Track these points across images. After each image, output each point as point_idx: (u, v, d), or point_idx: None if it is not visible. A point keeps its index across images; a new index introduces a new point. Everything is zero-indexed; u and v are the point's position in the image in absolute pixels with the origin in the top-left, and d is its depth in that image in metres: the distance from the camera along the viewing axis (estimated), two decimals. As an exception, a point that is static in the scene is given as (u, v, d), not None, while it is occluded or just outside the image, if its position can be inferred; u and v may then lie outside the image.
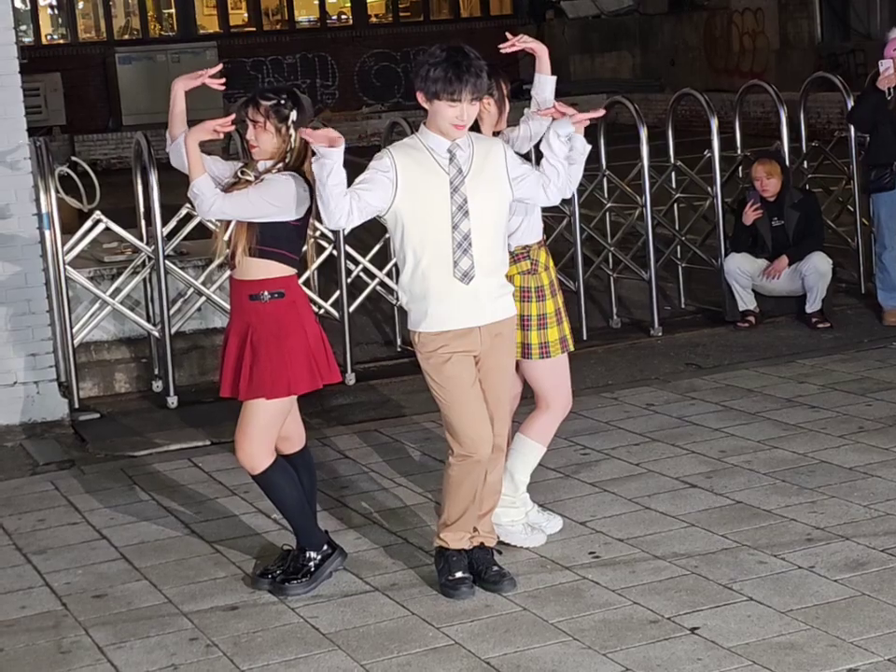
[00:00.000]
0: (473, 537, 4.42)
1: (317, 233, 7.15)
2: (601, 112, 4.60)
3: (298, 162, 4.33)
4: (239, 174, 4.38)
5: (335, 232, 7.25)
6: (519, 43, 4.64)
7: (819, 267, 7.73)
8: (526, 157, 4.65)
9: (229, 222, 4.39)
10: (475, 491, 4.33)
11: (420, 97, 4.18)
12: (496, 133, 4.68)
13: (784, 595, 4.21)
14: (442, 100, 4.12)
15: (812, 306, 7.76)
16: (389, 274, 7.48)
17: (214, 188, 4.29)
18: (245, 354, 4.37)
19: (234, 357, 4.40)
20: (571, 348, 4.76)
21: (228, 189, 4.33)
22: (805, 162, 8.98)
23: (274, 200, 4.28)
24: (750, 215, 7.84)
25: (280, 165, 4.35)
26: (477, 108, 4.21)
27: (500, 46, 4.66)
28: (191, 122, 4.45)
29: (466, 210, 4.18)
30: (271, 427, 4.40)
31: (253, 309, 4.37)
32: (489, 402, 4.33)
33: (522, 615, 4.21)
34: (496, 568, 4.42)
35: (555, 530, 4.83)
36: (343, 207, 4.11)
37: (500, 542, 4.66)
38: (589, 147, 4.40)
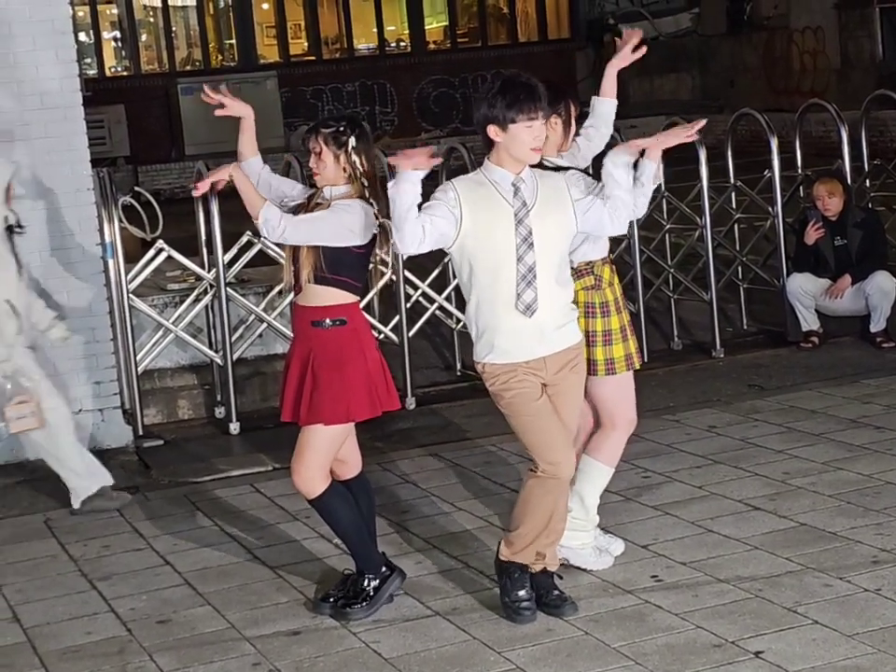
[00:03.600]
0: (537, 561, 4.39)
1: (377, 259, 7.18)
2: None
3: (367, 189, 4.36)
4: (307, 201, 4.41)
5: (394, 258, 7.29)
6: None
7: (882, 286, 7.64)
8: (586, 171, 4.63)
9: (293, 248, 4.40)
10: (553, 511, 4.29)
11: (492, 130, 4.12)
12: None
13: (850, 617, 4.16)
14: (519, 122, 4.08)
15: (876, 325, 7.68)
16: (448, 299, 7.50)
17: (280, 213, 4.32)
18: (306, 379, 4.39)
19: (296, 381, 4.43)
20: (637, 366, 4.73)
21: (295, 212, 4.36)
22: (868, 181, 8.89)
23: (347, 224, 4.30)
24: (812, 234, 7.78)
25: (350, 189, 4.37)
26: (545, 130, 4.19)
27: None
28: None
29: (531, 242, 4.16)
30: (327, 453, 4.42)
31: (315, 335, 4.40)
32: None
33: (584, 639, 4.18)
34: (556, 592, 4.39)
35: (617, 553, 4.80)
36: (417, 233, 4.09)
37: (570, 566, 4.64)
38: (658, 170, 4.36)
